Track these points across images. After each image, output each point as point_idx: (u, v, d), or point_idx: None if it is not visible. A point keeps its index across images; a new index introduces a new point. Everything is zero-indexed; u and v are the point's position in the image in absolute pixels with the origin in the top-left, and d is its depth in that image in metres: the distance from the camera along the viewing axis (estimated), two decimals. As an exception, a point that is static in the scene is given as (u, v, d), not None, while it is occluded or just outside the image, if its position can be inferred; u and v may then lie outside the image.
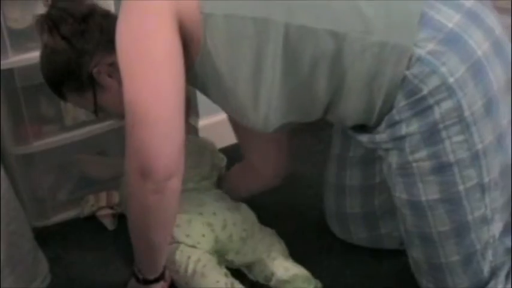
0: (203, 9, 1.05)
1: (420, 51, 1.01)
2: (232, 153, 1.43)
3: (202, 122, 1.90)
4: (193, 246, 1.34)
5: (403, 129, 1.06)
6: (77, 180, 1.68)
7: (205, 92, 1.18)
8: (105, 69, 1.22)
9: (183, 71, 1.08)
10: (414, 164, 1.08)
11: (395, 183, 1.14)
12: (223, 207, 1.41)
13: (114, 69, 1.19)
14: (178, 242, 1.34)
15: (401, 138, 1.07)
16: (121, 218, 1.61)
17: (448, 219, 1.11)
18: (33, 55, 1.42)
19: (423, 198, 1.10)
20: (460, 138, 1.05)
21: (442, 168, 1.07)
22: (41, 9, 1.40)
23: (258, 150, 1.41)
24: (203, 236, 1.35)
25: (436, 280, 1.18)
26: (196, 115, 1.90)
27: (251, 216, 1.44)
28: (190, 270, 1.30)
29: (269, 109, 1.12)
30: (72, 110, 1.54)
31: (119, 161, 1.70)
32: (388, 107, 1.06)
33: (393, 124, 1.07)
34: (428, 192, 1.09)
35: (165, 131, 1.06)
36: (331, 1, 1.04)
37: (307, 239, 1.51)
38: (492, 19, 1.09)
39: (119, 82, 1.17)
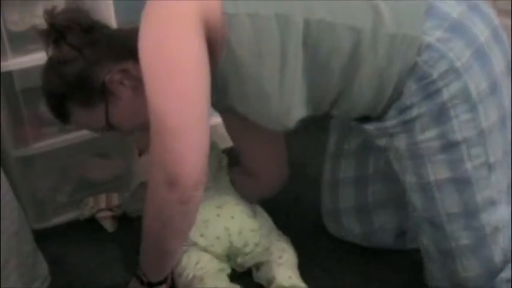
0: (226, 9, 1.06)
1: (429, 39, 1.07)
2: (231, 155, 1.43)
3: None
4: (205, 249, 1.34)
5: (414, 112, 1.10)
6: (77, 182, 1.68)
7: (223, 94, 1.16)
8: (117, 77, 1.20)
9: (209, 75, 1.07)
10: (423, 145, 1.11)
11: (404, 167, 1.15)
12: (242, 212, 1.39)
13: (125, 76, 1.19)
14: (188, 245, 1.33)
15: (412, 120, 1.11)
16: (121, 220, 1.62)
17: (458, 199, 1.12)
18: (33, 57, 1.42)
19: (432, 179, 1.12)
20: (468, 116, 1.09)
21: (450, 146, 1.10)
22: (41, 11, 1.41)
23: (258, 157, 1.42)
24: (218, 238, 1.35)
25: (447, 268, 1.18)
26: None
27: (268, 221, 1.43)
28: (191, 275, 1.30)
29: (292, 102, 1.14)
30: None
31: (118, 163, 1.72)
32: (397, 94, 1.10)
33: (404, 109, 1.11)
34: (437, 171, 1.12)
35: (193, 140, 1.06)
36: None
37: (305, 240, 1.51)
38: (490, 10, 1.15)
39: (133, 89, 1.19)
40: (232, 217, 1.37)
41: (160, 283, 1.26)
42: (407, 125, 1.11)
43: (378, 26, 1.07)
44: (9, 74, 1.43)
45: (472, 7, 1.12)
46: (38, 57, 1.42)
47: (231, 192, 1.44)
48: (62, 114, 1.27)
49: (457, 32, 1.08)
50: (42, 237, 1.46)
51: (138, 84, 1.15)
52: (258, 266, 1.38)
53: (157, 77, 1.05)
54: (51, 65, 1.24)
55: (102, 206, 1.61)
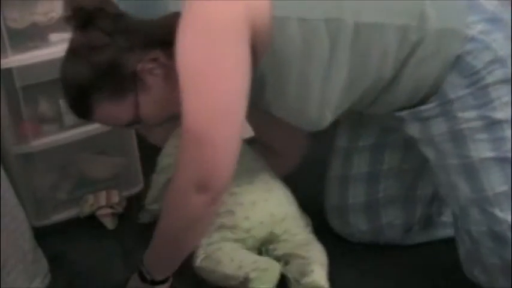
0: (276, 12, 1.05)
1: (472, 32, 1.10)
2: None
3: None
4: (247, 231, 1.31)
5: (454, 95, 1.12)
6: (77, 180, 1.68)
7: (259, 95, 1.13)
8: (149, 65, 1.15)
9: (249, 80, 1.06)
10: (465, 125, 1.13)
11: (444, 151, 1.16)
12: (288, 199, 1.37)
13: (157, 65, 1.15)
14: (228, 227, 1.31)
15: (451, 102, 1.13)
16: (121, 217, 1.62)
17: (503, 178, 1.12)
18: (33, 55, 1.42)
19: (475, 159, 1.13)
20: (510, 98, 1.11)
21: (492, 125, 1.12)
22: (40, 9, 1.41)
23: (278, 135, 1.43)
24: (261, 223, 1.32)
25: (498, 256, 1.15)
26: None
27: (305, 214, 1.41)
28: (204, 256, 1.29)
29: (330, 106, 1.15)
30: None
31: (118, 161, 1.71)
32: (436, 87, 1.13)
33: (444, 97, 1.13)
34: (481, 151, 1.13)
35: (227, 143, 1.07)
36: None
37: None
38: None
39: (164, 78, 1.15)
40: (279, 204, 1.35)
41: (163, 281, 1.26)
42: (446, 107, 1.13)
43: (423, 23, 1.09)
44: (9, 71, 1.42)
45: (504, 3, 1.17)
46: (38, 55, 1.42)
47: (276, 177, 1.42)
48: (85, 108, 1.19)
49: (497, 25, 1.12)
50: (42, 235, 1.45)
51: (168, 73, 1.13)
52: (287, 258, 1.34)
53: (195, 79, 1.03)
54: (76, 53, 1.16)
55: (102, 204, 1.60)
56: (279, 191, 1.38)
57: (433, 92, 1.13)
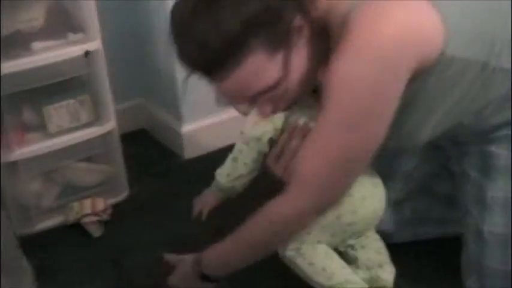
0: (447, 50, 1.03)
1: None
2: (216, 159, 1.42)
3: (186, 128, 1.90)
4: (349, 224, 1.27)
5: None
6: (62, 188, 1.67)
7: None
8: (302, 24, 1.04)
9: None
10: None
11: (502, 153, 1.18)
12: (385, 195, 1.33)
13: (307, 27, 1.05)
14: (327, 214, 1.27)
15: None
16: (106, 225, 1.61)
17: None
18: (15, 63, 1.41)
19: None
20: None
21: None
22: (24, 16, 1.40)
23: None
24: (363, 219, 1.28)
25: (504, 262, 1.18)
26: (180, 120, 1.89)
27: None
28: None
29: (438, 132, 1.16)
30: (56, 117, 1.54)
31: (103, 168, 1.71)
32: None
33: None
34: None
35: (358, 172, 1.14)
36: None
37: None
38: None
39: (308, 43, 1.06)
40: (382, 199, 1.31)
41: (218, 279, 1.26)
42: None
43: None
44: (-8, 79, 1.42)
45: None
46: (20, 63, 1.42)
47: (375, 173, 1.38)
48: (237, 52, 1.00)
49: None
50: (27, 243, 1.45)
51: (312, 39, 1.06)
52: (362, 246, 1.33)
53: (348, 111, 1.03)
54: None
55: (87, 211, 1.60)
56: (382, 186, 1.34)
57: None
